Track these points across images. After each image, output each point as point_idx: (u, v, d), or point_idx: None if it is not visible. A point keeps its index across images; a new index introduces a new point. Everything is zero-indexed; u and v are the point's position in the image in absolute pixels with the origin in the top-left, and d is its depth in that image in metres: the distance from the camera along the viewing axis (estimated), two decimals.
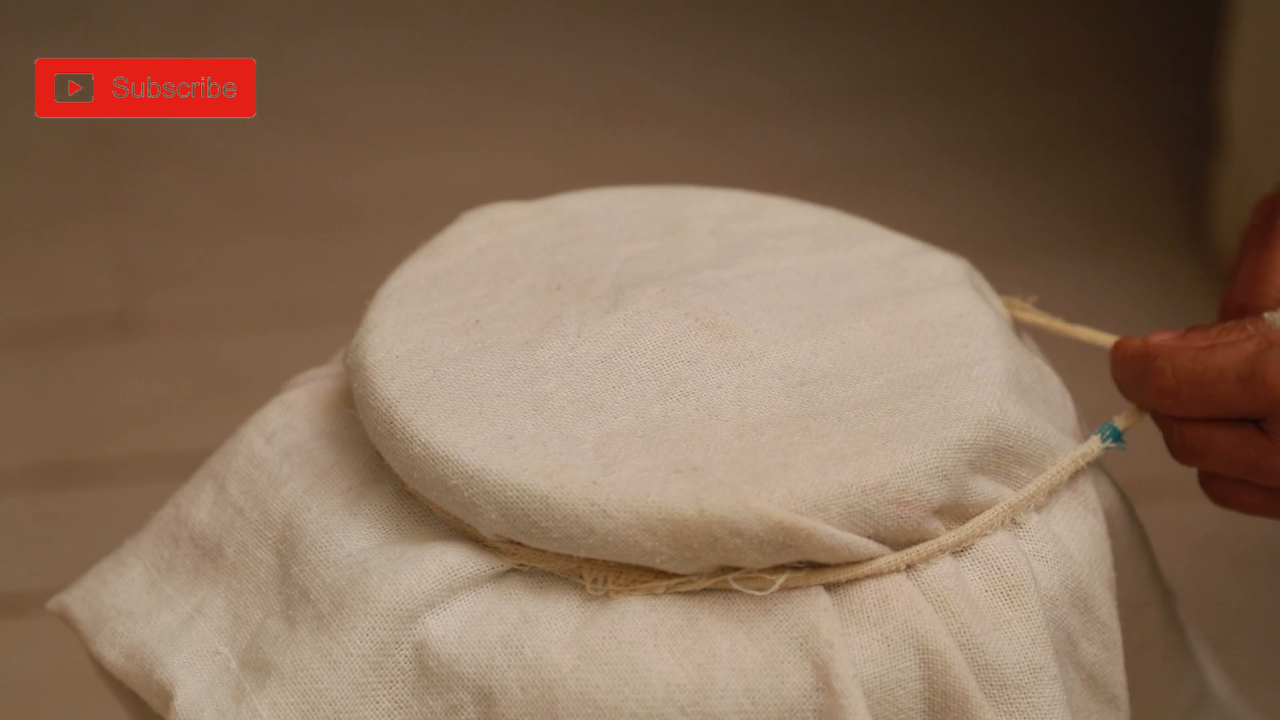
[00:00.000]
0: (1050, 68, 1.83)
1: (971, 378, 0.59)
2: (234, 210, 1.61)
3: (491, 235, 0.67)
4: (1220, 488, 0.62)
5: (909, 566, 0.56)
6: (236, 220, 1.60)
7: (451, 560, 0.56)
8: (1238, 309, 0.64)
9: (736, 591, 0.55)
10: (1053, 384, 0.63)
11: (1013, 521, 0.58)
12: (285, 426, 0.63)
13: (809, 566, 0.55)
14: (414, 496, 0.59)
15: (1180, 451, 0.61)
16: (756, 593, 0.54)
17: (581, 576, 0.56)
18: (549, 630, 0.55)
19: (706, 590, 0.55)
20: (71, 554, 1.19)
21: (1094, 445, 0.61)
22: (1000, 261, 0.74)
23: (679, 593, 0.55)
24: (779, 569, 0.55)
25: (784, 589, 0.55)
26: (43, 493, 1.29)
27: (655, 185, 0.72)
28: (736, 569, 0.55)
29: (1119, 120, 1.74)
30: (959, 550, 0.57)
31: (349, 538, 0.58)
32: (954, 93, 1.78)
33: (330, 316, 1.46)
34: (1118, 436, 0.61)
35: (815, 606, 0.54)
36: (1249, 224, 0.65)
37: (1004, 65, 1.83)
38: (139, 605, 0.61)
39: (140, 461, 1.31)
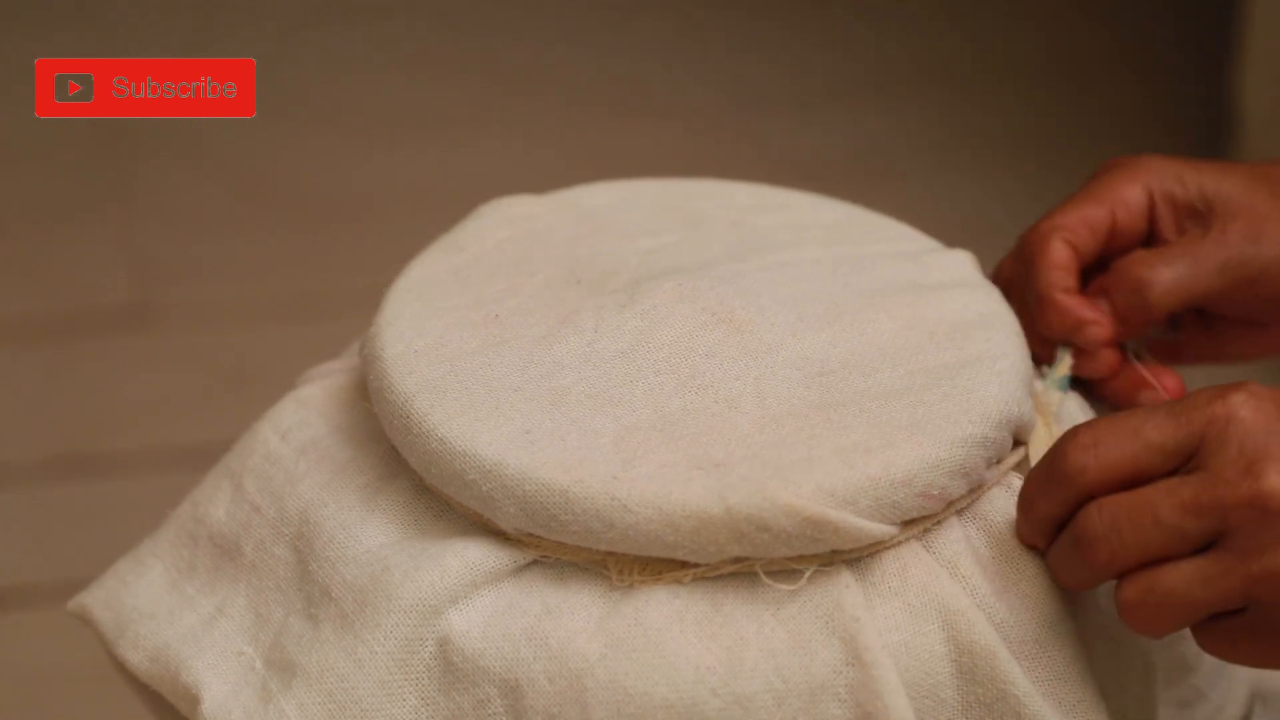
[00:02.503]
0: (1062, 60, 1.83)
1: (995, 371, 0.59)
2: (244, 204, 1.61)
3: (510, 229, 0.67)
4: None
5: (924, 531, 0.56)
6: (247, 214, 1.60)
7: (472, 556, 0.56)
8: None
9: (759, 575, 0.55)
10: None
11: (1009, 487, 0.58)
12: (300, 422, 0.63)
13: (830, 552, 0.55)
14: (431, 491, 0.59)
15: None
16: (786, 587, 0.54)
17: (607, 568, 0.55)
18: (573, 620, 0.55)
19: (730, 574, 0.55)
20: (82, 547, 1.19)
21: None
22: None
23: (703, 579, 0.55)
24: (803, 557, 0.54)
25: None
26: (53, 485, 1.29)
27: (673, 178, 0.71)
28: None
29: (1131, 112, 1.74)
30: (961, 509, 0.57)
31: (366, 533, 0.58)
32: (965, 86, 1.78)
33: (339, 311, 1.46)
34: (1064, 386, 0.62)
35: (838, 584, 0.54)
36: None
37: (1016, 58, 1.83)
38: (161, 606, 0.61)
39: (150, 454, 1.31)
